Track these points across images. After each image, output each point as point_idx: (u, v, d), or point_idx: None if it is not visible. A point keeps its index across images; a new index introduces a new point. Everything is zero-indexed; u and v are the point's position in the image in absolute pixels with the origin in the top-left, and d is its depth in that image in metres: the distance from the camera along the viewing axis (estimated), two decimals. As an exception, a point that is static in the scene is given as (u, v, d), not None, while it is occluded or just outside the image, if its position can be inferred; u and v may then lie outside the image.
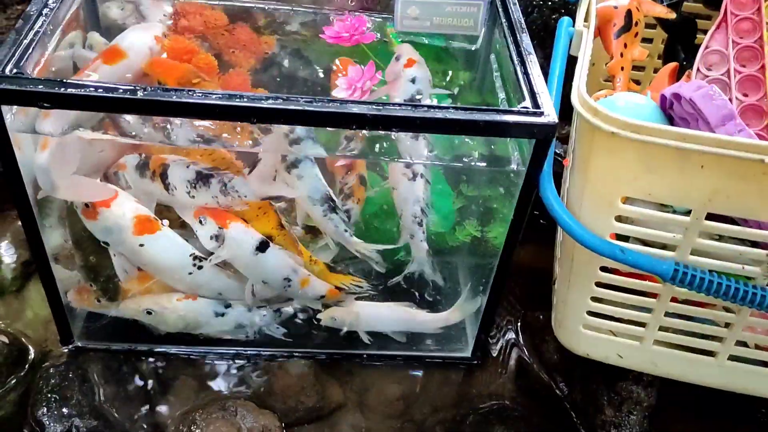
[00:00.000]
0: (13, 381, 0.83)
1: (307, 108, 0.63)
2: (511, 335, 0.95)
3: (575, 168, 0.70)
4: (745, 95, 0.79)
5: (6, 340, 0.84)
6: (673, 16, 0.93)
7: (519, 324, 0.96)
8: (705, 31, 0.98)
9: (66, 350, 0.85)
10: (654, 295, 0.74)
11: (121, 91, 0.62)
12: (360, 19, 0.89)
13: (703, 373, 0.79)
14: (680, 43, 0.98)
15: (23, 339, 0.87)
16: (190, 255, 0.78)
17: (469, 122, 0.65)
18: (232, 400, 0.82)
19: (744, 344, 0.76)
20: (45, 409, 0.79)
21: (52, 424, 0.78)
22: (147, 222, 0.76)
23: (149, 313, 0.82)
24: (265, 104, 0.62)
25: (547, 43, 1.07)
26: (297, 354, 0.89)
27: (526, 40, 0.77)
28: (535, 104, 0.68)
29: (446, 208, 0.89)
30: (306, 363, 0.88)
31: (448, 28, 0.88)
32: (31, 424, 0.78)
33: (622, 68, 0.89)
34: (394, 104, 0.65)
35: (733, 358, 0.77)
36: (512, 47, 0.77)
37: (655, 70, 1.07)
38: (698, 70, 0.81)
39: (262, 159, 0.76)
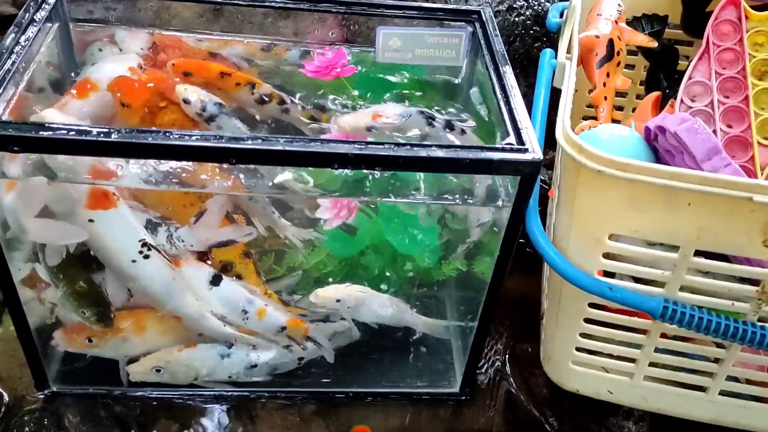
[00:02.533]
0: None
1: (287, 148, 0.61)
2: (499, 368, 0.93)
3: (561, 204, 0.69)
4: (729, 126, 0.78)
5: (-22, 387, 0.81)
6: (654, 45, 0.93)
7: (507, 356, 0.94)
8: (687, 57, 0.99)
9: (41, 396, 0.83)
10: (644, 331, 0.73)
11: (95, 133, 0.60)
12: (339, 52, 0.88)
13: (694, 408, 0.78)
14: (662, 71, 0.98)
15: (-2, 387, 0.84)
16: (140, 241, 0.73)
17: (453, 161, 0.64)
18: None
19: (735, 379, 0.75)
20: (19, 458, 0.76)
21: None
22: (103, 196, 0.70)
23: (158, 371, 0.80)
24: (244, 145, 0.61)
25: (530, 72, 1.07)
26: (281, 394, 0.86)
27: (509, 72, 0.76)
28: (520, 140, 0.66)
29: (431, 242, 0.87)
30: (290, 403, 0.86)
31: (430, 59, 0.87)
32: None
33: (605, 98, 0.89)
34: (376, 143, 0.64)
35: (724, 392, 0.76)
36: (495, 81, 0.76)
37: (638, 96, 1.07)
38: (682, 101, 0.80)
39: (208, 209, 0.75)
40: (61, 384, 0.83)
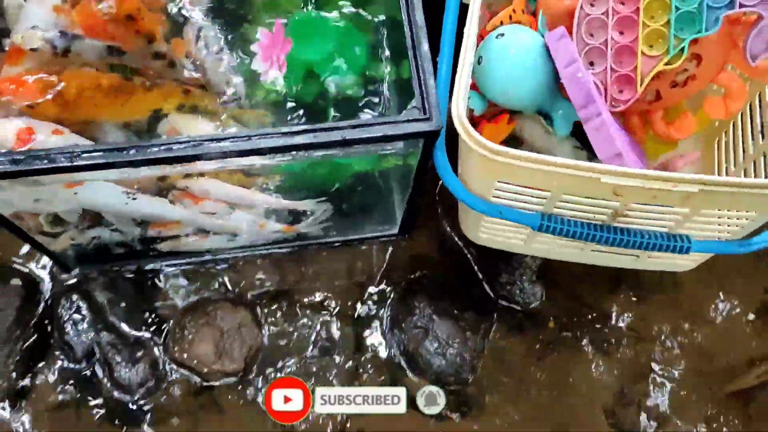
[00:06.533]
0: (35, 314, 1.03)
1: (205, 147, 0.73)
2: (432, 212, 1.13)
3: (461, 155, 0.82)
4: (621, 33, 0.85)
5: (20, 282, 1.03)
6: None
7: (438, 199, 1.13)
8: None
9: (68, 277, 1.05)
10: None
11: None
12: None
13: (575, 256, 1.00)
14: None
15: (31, 275, 1.05)
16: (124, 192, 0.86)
17: (364, 140, 0.75)
18: (212, 304, 1.04)
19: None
20: (68, 331, 1.01)
21: (78, 343, 1.01)
22: (31, 134, 0.76)
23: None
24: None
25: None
26: (258, 253, 1.08)
27: (420, 19, 0.80)
28: (423, 108, 0.76)
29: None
30: (265, 259, 1.09)
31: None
32: (62, 347, 1.02)
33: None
34: (294, 132, 0.74)
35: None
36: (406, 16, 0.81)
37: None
38: (581, 7, 0.85)
39: None
40: (82, 265, 1.05)
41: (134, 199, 0.88)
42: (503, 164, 0.75)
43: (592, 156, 0.88)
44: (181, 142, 0.73)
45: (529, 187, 0.80)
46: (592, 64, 0.86)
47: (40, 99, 0.80)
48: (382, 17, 0.95)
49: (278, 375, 1.03)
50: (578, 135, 0.90)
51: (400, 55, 0.90)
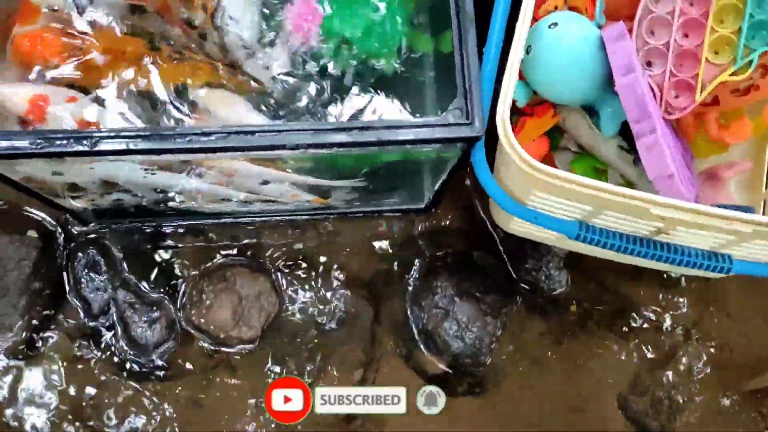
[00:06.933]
0: (52, 267, 1.02)
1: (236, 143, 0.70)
2: (462, 187, 1.09)
3: (500, 157, 0.78)
4: (686, 36, 0.79)
5: (36, 234, 1.01)
6: None
7: (469, 174, 1.09)
8: None
9: (86, 230, 1.03)
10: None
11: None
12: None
13: (608, 255, 0.96)
14: None
15: (49, 227, 1.03)
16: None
17: (391, 142, 0.71)
18: (230, 269, 1.02)
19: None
20: (84, 286, 1.01)
21: (95, 298, 1.01)
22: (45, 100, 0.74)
23: None
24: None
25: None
26: (279, 219, 1.06)
27: (469, 7, 0.75)
28: (466, 110, 0.71)
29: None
30: (286, 225, 1.06)
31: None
32: (79, 301, 1.01)
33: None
34: (328, 129, 0.70)
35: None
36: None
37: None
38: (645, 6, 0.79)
39: None
40: (99, 220, 1.02)
41: (153, 174, 0.84)
42: (545, 181, 0.71)
43: (637, 157, 0.83)
44: (207, 134, 0.69)
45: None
46: (649, 64, 0.80)
47: (58, 60, 0.76)
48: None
49: (296, 342, 1.02)
50: (625, 134, 0.85)
51: (443, 29, 0.84)
